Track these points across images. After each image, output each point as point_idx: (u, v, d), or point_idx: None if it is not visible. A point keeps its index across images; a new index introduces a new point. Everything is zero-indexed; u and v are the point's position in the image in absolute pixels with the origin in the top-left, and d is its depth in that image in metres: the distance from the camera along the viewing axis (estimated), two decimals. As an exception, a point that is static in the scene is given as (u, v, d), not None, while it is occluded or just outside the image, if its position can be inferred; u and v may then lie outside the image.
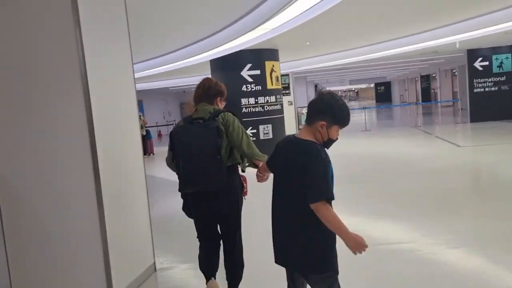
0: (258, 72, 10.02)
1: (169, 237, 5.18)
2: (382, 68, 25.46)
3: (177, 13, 5.69)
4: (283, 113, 10.75)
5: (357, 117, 27.03)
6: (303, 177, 2.07)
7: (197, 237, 3.15)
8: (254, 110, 10.02)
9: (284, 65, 14.11)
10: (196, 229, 3.13)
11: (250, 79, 9.96)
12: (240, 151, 2.96)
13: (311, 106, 2.22)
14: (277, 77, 10.37)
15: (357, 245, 2.03)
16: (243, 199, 3.11)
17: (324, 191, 2.05)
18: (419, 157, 9.67)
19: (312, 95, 30.49)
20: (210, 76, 10.52)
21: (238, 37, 6.73)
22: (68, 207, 3.15)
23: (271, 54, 10.29)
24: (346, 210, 6.04)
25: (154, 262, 4.02)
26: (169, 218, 6.12)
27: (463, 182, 7.19)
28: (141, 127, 14.64)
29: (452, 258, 3.85)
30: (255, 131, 10.04)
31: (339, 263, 2.22)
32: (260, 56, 10.09)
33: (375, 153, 11.07)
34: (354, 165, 9.53)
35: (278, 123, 10.46)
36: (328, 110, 2.17)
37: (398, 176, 7.91)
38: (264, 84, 10.08)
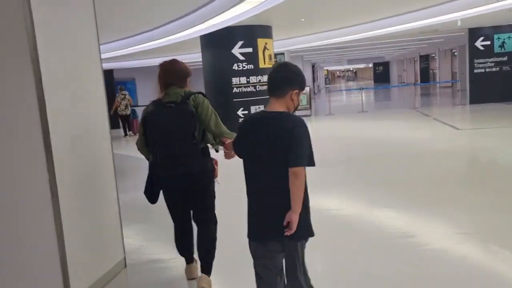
0: (250, 50, 9.56)
1: (144, 226, 4.84)
2: (380, 48, 24.94)
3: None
4: (276, 93, 10.31)
5: (354, 98, 26.64)
6: (290, 147, 2.13)
7: (172, 220, 3.20)
8: (245, 90, 9.60)
9: (279, 43, 13.61)
10: (171, 212, 3.17)
11: (241, 57, 9.51)
12: (208, 129, 3.00)
13: (279, 77, 2.27)
14: (270, 56, 9.92)
15: (296, 222, 2.14)
16: (216, 182, 3.13)
17: (309, 158, 2.17)
18: (416, 140, 9.32)
19: (309, 75, 29.97)
20: (200, 53, 10.11)
21: (225, 10, 6.27)
22: (17, 197, 2.78)
23: (264, 31, 9.81)
24: (342, 196, 5.72)
25: (124, 258, 3.66)
26: (145, 204, 5.78)
27: (461, 168, 6.85)
28: (126, 106, 14.26)
29: (458, 253, 3.54)
30: (246, 112, 9.63)
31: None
32: (252, 33, 9.61)
33: (371, 135, 10.71)
34: (349, 148, 9.18)
35: (270, 104, 10.04)
36: (297, 78, 2.27)
37: (395, 160, 7.57)
38: (256, 62, 9.63)
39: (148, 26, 8.62)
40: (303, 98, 16.32)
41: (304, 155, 2.15)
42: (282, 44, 14.04)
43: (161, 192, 3.10)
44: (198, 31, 8.57)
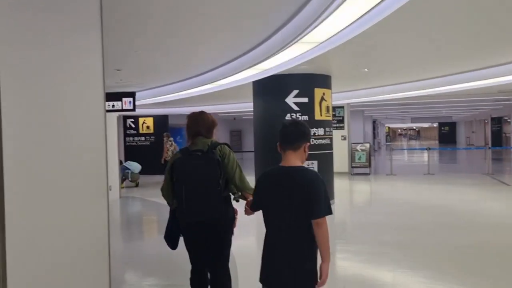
0: (305, 99, 8.73)
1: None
2: (448, 106, 23.36)
3: (212, 21, 4.62)
4: (332, 149, 9.32)
5: (417, 158, 24.95)
6: (309, 199, 2.35)
7: (191, 263, 3.28)
8: (298, 143, 8.67)
9: (339, 95, 12.74)
10: (192, 259, 3.27)
11: (295, 107, 8.69)
12: (233, 182, 3.14)
13: (297, 131, 2.52)
14: (327, 107, 9.02)
15: (327, 272, 2.38)
16: (233, 230, 3.26)
17: (330, 209, 2.38)
18: (496, 213, 7.87)
19: (369, 131, 28.68)
20: (252, 101, 9.42)
21: (277, 51, 5.52)
22: None
23: (322, 80, 8.99)
24: (403, 267, 4.73)
25: None
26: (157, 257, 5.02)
27: None
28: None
29: None
30: (297, 167, 8.67)
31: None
32: (309, 81, 8.81)
33: (440, 202, 9.32)
34: (414, 215, 7.90)
35: (325, 160, 9.03)
36: (309, 132, 2.60)
37: (469, 234, 6.24)
38: (311, 114, 8.76)
39: (198, 71, 8.09)
40: (362, 155, 15.14)
41: (324, 206, 2.35)
42: (342, 97, 13.16)
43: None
44: (250, 76, 7.90)
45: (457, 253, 5.55)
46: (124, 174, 13.29)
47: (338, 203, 9.38)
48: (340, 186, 10.78)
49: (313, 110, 8.76)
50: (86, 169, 2.61)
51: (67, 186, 2.46)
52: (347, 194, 11.84)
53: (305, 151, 2.53)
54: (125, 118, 18.25)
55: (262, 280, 2.50)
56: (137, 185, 13.38)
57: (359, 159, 15.41)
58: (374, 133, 32.60)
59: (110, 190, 10.56)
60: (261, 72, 7.40)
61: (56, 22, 2.46)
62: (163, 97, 11.21)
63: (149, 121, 18.00)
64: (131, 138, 17.94)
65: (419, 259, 5.33)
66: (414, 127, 70.92)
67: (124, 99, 10.09)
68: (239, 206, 3.17)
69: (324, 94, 8.92)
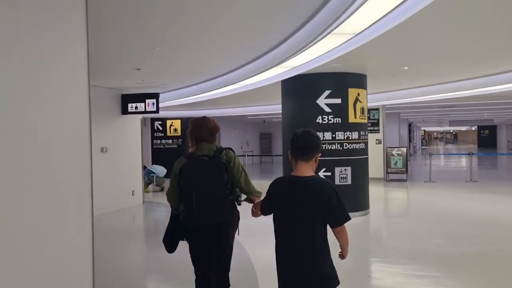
0: (338, 100, 8.05)
1: None
2: (491, 109, 22.03)
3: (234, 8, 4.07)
4: (367, 154, 8.60)
5: (456, 162, 23.66)
6: (325, 209, 2.44)
7: (196, 273, 3.26)
8: (330, 148, 8.01)
9: (374, 97, 11.97)
10: (197, 262, 3.24)
11: (327, 109, 8.02)
12: (238, 186, 3.22)
13: (311, 142, 2.55)
14: (362, 109, 8.31)
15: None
16: (237, 232, 3.34)
17: (347, 215, 2.50)
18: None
19: (405, 135, 27.53)
20: (281, 102, 8.82)
21: (305, 47, 4.90)
22: None
23: (356, 79, 8.29)
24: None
25: None
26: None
27: None
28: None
29: None
30: (329, 173, 8.00)
31: None
32: (342, 81, 8.14)
33: (487, 213, 8.43)
34: (458, 227, 7.08)
35: (360, 166, 8.32)
36: (319, 143, 2.63)
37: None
38: (345, 116, 8.07)
39: (221, 70, 7.56)
40: (398, 161, 14.27)
41: (342, 214, 2.48)
42: (377, 98, 12.37)
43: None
44: (277, 75, 7.30)
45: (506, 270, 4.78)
46: (149, 178, 12.91)
47: (373, 213, 8.63)
48: (375, 193, 10.01)
49: (347, 112, 8.07)
50: (63, 173, 2.15)
51: (39, 191, 1.95)
52: (383, 202, 11.04)
53: (316, 162, 2.57)
54: (153, 120, 18.00)
55: (282, 279, 2.57)
56: (162, 189, 12.98)
57: (395, 164, 14.53)
58: (409, 137, 31.34)
59: (133, 195, 10.17)
60: (289, 70, 6.80)
61: None
62: (187, 99, 10.76)
63: (177, 124, 17.66)
64: (158, 141, 17.65)
65: (464, 277, 4.59)
66: (451, 131, 68.47)
67: (147, 101, 9.69)
68: (244, 209, 3.35)
69: (358, 94, 8.22)
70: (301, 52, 5.25)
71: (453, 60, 7.52)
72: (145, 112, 9.73)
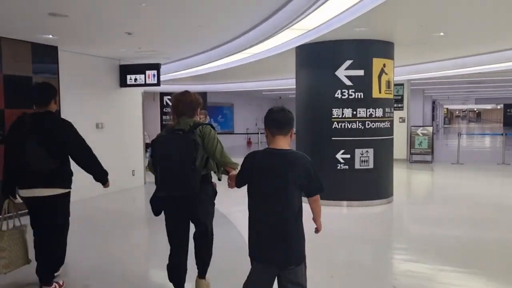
0: (361, 72, 7.00)
1: None
2: (524, 86, 20.49)
3: None
4: (392, 134, 7.57)
5: (482, 143, 22.33)
6: (302, 179, 2.57)
7: (169, 242, 3.38)
8: (349, 127, 7.01)
9: (398, 70, 10.79)
10: (168, 234, 3.37)
11: (348, 82, 6.98)
12: (214, 158, 3.24)
13: (285, 118, 2.64)
14: (388, 82, 7.25)
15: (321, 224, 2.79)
16: (214, 204, 3.45)
17: (322, 186, 2.64)
18: None
19: (428, 113, 26.16)
20: (294, 71, 7.81)
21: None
22: None
23: (383, 48, 7.20)
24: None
25: None
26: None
27: None
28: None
29: None
30: (348, 156, 7.03)
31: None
32: (366, 50, 7.06)
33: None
34: (490, 214, 6.09)
35: (384, 148, 7.31)
36: (294, 118, 2.72)
37: None
38: (368, 90, 7.03)
39: (225, 37, 6.57)
40: (423, 141, 13.17)
41: (318, 185, 2.62)
42: (401, 72, 11.20)
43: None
44: (290, 41, 6.28)
45: None
46: (154, 156, 12.12)
47: (397, 200, 7.66)
48: (398, 177, 8.98)
49: (371, 85, 7.02)
50: None
51: None
52: (407, 187, 10.04)
53: (291, 136, 2.68)
54: (162, 95, 17.13)
55: (252, 256, 2.67)
56: (168, 169, 12.18)
57: (420, 144, 13.42)
58: (432, 115, 29.91)
59: (133, 175, 9.37)
60: (304, 34, 5.77)
61: None
62: (194, 70, 9.79)
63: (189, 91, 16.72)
64: (168, 117, 16.79)
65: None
66: (475, 109, 66.17)
67: (147, 72, 8.77)
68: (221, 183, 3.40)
69: (384, 65, 7.14)
70: (317, 9, 4.22)
71: (493, 26, 6.37)
72: (145, 84, 8.82)
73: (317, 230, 2.78)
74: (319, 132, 7.24)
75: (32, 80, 6.81)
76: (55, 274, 3.83)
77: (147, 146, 15.03)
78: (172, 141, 3.17)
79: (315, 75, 7.27)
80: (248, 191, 2.68)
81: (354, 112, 6.99)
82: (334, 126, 7.04)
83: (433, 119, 29.81)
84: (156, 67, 8.69)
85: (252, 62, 8.53)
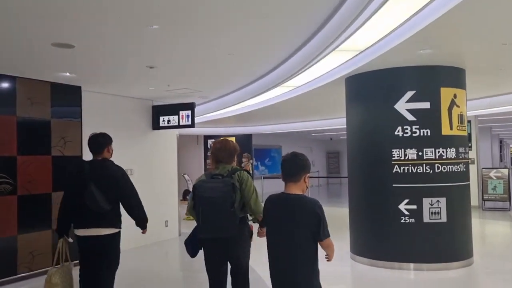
0: (426, 105, 5.80)
1: None
2: None
3: None
4: (468, 179, 6.20)
5: None
6: (312, 224, 2.65)
7: (208, 276, 3.60)
8: (414, 171, 5.75)
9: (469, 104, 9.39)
10: (208, 273, 3.60)
11: (411, 117, 5.79)
12: (248, 206, 3.48)
13: (296, 165, 2.76)
14: (461, 116, 5.98)
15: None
16: (250, 245, 3.63)
17: (328, 232, 2.71)
18: None
19: (496, 154, 23.87)
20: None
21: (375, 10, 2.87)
22: None
23: (452, 75, 5.98)
24: None
25: None
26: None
27: None
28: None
29: None
30: (414, 206, 5.73)
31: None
32: (432, 77, 5.88)
33: None
34: None
35: (459, 196, 5.94)
36: (308, 164, 2.82)
37: None
38: (436, 126, 5.80)
39: (262, 69, 5.66)
40: (498, 185, 11.43)
41: (325, 230, 2.68)
42: (469, 106, 9.73)
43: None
44: (339, 68, 5.25)
45: None
46: (194, 204, 11.21)
47: (479, 262, 6.15)
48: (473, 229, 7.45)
49: (439, 120, 5.78)
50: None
51: None
52: (486, 244, 8.44)
53: (305, 182, 2.77)
54: (206, 138, 16.50)
55: None
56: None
57: (494, 189, 11.68)
58: (500, 155, 27.37)
59: (166, 226, 8.45)
60: (354, 58, 4.72)
61: None
62: (231, 110, 8.97)
63: (229, 139, 15.95)
64: (208, 161, 16.05)
65: None
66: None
67: (181, 113, 7.99)
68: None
69: (455, 96, 5.89)
70: (366, 22, 3.19)
71: None
72: (179, 126, 8.03)
73: (327, 258, 2.83)
74: (376, 178, 6.01)
75: (50, 124, 6.16)
76: None
77: (186, 192, 14.26)
78: (212, 185, 3.38)
79: (369, 110, 6.14)
80: (266, 234, 2.88)
81: (420, 153, 5.73)
82: (395, 170, 5.80)
83: (501, 160, 27.27)
84: (190, 106, 7.90)
85: (297, 98, 7.55)
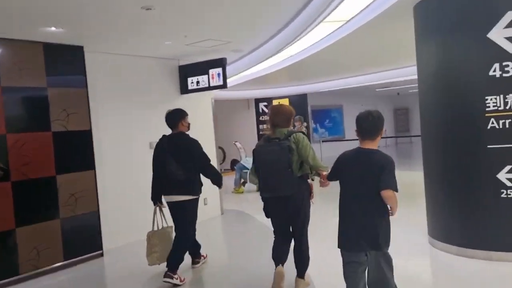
0: (535, 30, 4.02)
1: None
2: None
3: None
4: None
5: None
6: (380, 175, 2.78)
7: (273, 232, 3.93)
8: (519, 124, 4.07)
9: None
10: (273, 226, 3.92)
11: (511, 48, 4.07)
12: (306, 162, 3.66)
13: (371, 125, 2.89)
14: None
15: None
16: (311, 203, 3.84)
17: (395, 185, 2.80)
18: None
19: None
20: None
21: None
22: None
23: None
24: None
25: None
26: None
27: None
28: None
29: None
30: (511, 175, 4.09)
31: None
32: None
33: None
34: None
35: None
36: (382, 120, 2.93)
37: None
38: (550, 60, 4.02)
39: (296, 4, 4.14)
40: None
41: (392, 182, 2.79)
42: None
43: None
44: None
45: None
46: (242, 175, 10.05)
47: None
48: None
49: (556, 49, 4.00)
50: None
51: None
52: None
53: (380, 136, 2.93)
54: (257, 101, 15.20)
55: (341, 245, 2.97)
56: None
57: None
58: None
59: (205, 204, 7.31)
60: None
61: None
62: (273, 63, 7.49)
63: (285, 103, 14.52)
64: (265, 126, 14.74)
65: None
66: None
67: (211, 72, 6.69)
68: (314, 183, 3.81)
69: None
70: None
71: None
72: (209, 88, 6.75)
73: (391, 213, 2.91)
74: (463, 137, 4.39)
75: (47, 94, 5.12)
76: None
77: (234, 162, 13.12)
78: (269, 149, 3.64)
79: (449, 45, 4.45)
80: (340, 185, 3.02)
81: (528, 100, 4.02)
82: (490, 125, 4.14)
83: None
84: (221, 63, 6.56)
85: (352, 36, 5.90)
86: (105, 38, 5.29)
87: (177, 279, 4.33)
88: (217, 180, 4.65)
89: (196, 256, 4.93)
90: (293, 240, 3.88)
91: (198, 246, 4.94)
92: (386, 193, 2.76)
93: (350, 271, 2.93)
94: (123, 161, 6.13)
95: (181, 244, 4.47)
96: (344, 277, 2.97)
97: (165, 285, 4.35)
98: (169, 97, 6.88)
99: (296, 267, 3.89)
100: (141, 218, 6.18)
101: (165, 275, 4.32)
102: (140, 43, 5.72)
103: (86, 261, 5.41)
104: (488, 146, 4.22)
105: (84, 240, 5.48)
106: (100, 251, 5.57)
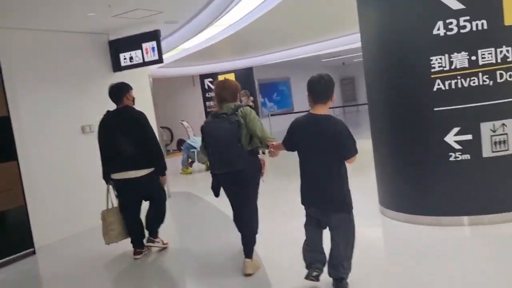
0: (477, -14, 3.86)
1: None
2: None
3: None
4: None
5: None
6: (338, 141, 2.92)
7: (231, 207, 3.85)
8: (465, 85, 3.96)
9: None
10: (229, 200, 3.84)
11: (456, 4, 3.90)
12: (255, 135, 3.64)
13: (325, 86, 2.97)
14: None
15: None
16: (261, 180, 3.81)
17: (355, 148, 2.95)
18: None
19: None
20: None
21: None
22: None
23: None
24: None
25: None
26: None
27: None
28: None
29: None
30: (468, 137, 4.01)
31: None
32: None
33: None
34: None
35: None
36: (333, 83, 3.02)
37: None
38: (496, 13, 3.90)
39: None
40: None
41: (352, 148, 2.93)
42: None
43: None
44: None
45: None
46: (189, 154, 9.64)
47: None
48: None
49: (500, 4, 3.86)
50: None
51: None
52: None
53: (331, 101, 3.02)
54: (202, 78, 14.68)
55: (304, 202, 3.18)
56: (208, 169, 9.64)
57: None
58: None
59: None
60: None
61: None
62: (212, 35, 7.06)
63: (231, 78, 14.08)
64: (212, 103, 14.30)
65: None
66: None
67: (144, 45, 6.18)
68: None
69: (522, -34, 3.92)
70: None
71: None
72: (144, 63, 6.24)
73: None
74: (408, 102, 4.24)
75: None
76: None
77: (181, 142, 12.67)
78: (218, 125, 3.57)
79: (390, 5, 4.23)
80: (298, 154, 3.14)
81: (474, 57, 3.89)
82: (436, 87, 4.00)
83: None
84: (154, 36, 6.06)
85: (292, 3, 5.58)
86: (13, 10, 4.65)
87: (158, 242, 4.53)
88: (161, 168, 4.43)
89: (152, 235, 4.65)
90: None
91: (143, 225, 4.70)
92: (351, 160, 2.96)
93: (307, 223, 3.23)
94: (51, 149, 5.57)
95: (158, 209, 4.51)
96: (305, 228, 3.25)
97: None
98: (100, 76, 6.32)
99: (243, 243, 3.80)
100: (78, 209, 5.72)
101: (148, 240, 4.52)
102: (58, 15, 5.12)
103: (17, 261, 4.91)
104: (435, 109, 4.07)
105: (13, 238, 4.96)
106: (32, 249, 5.07)
